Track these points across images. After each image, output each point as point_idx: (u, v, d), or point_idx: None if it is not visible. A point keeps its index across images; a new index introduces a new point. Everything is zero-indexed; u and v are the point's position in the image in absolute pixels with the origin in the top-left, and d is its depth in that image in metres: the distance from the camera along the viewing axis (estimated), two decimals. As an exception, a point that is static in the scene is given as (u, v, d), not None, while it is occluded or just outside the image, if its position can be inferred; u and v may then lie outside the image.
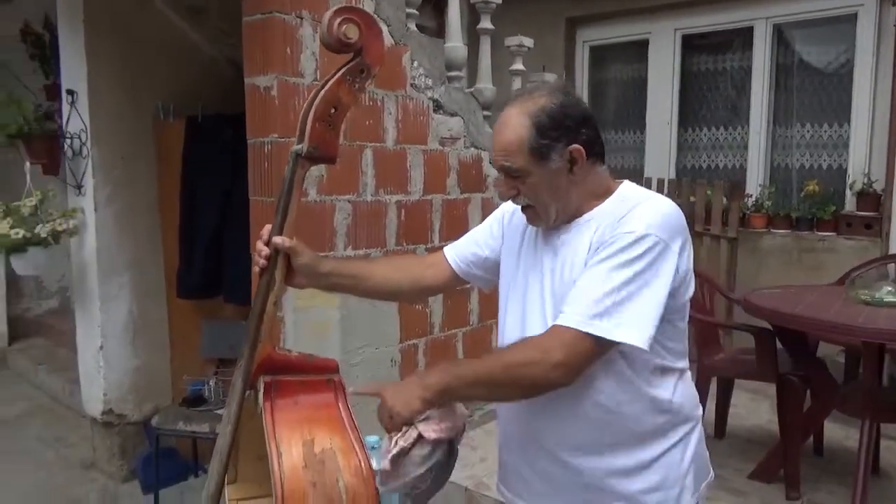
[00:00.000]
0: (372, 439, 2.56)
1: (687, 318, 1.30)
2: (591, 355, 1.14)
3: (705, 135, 4.85)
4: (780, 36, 4.50)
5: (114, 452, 3.41)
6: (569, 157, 1.23)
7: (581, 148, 1.23)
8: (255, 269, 1.34)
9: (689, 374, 1.34)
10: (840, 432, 3.13)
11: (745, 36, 4.62)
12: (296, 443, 1.17)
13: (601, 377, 1.22)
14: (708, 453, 1.42)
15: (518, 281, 1.37)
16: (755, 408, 3.62)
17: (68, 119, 3.30)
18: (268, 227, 1.33)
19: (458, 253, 1.53)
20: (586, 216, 1.27)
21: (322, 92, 1.29)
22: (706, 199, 4.15)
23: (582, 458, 1.27)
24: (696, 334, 3.07)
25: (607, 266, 1.15)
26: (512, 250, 1.42)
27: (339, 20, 1.25)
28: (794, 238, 4.20)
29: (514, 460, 1.39)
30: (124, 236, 3.37)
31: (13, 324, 5.06)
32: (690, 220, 4.23)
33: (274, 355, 1.32)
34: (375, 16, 2.76)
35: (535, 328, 1.26)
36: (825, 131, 4.35)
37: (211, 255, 3.29)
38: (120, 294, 3.37)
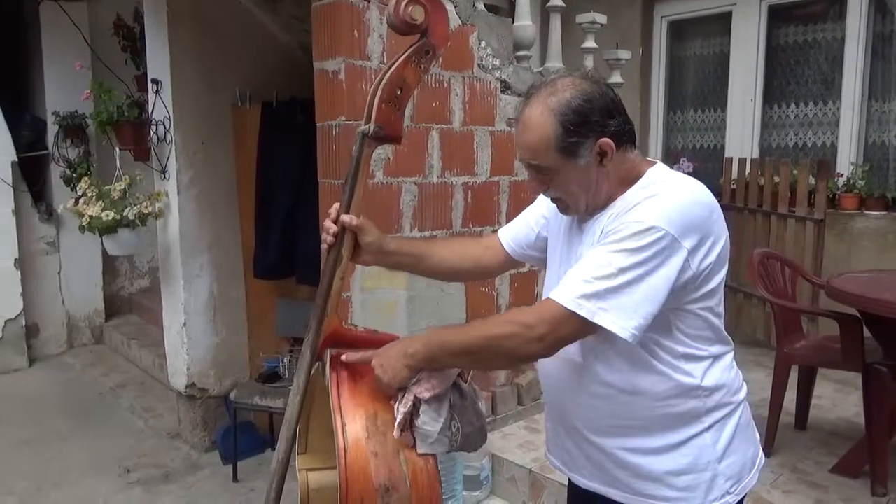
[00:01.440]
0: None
1: (719, 306, 1.25)
2: (573, 334, 1.14)
3: (792, 111, 4.59)
4: (878, 2, 4.18)
5: (196, 424, 3.60)
6: (598, 151, 1.19)
7: (610, 141, 1.19)
8: (324, 247, 1.38)
9: (727, 357, 1.29)
10: (936, 427, 2.92)
11: (837, 4, 4.32)
12: (359, 414, 1.20)
13: (617, 360, 1.22)
14: (758, 437, 1.38)
15: (554, 264, 1.39)
16: (842, 399, 3.43)
17: (153, 107, 3.48)
18: (336, 205, 1.36)
19: (511, 236, 1.54)
20: (614, 204, 1.24)
21: (388, 73, 1.32)
22: (791, 178, 3.93)
23: (605, 437, 1.28)
24: (775, 320, 2.94)
25: (608, 250, 1.13)
26: (556, 233, 1.42)
27: (405, 2, 1.27)
28: (890, 220, 3.92)
29: (555, 432, 1.41)
30: (204, 218, 3.53)
31: (109, 301, 5.40)
32: (773, 202, 4.05)
33: (340, 329, 1.36)
34: (442, -4, 2.78)
35: None
36: (927, 105, 4.03)
37: (285, 236, 3.40)
38: (201, 273, 3.54)
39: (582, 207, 1.26)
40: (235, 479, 3.28)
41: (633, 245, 1.11)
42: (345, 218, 1.33)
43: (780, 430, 2.88)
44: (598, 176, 1.22)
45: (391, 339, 1.38)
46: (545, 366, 1.36)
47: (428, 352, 1.19)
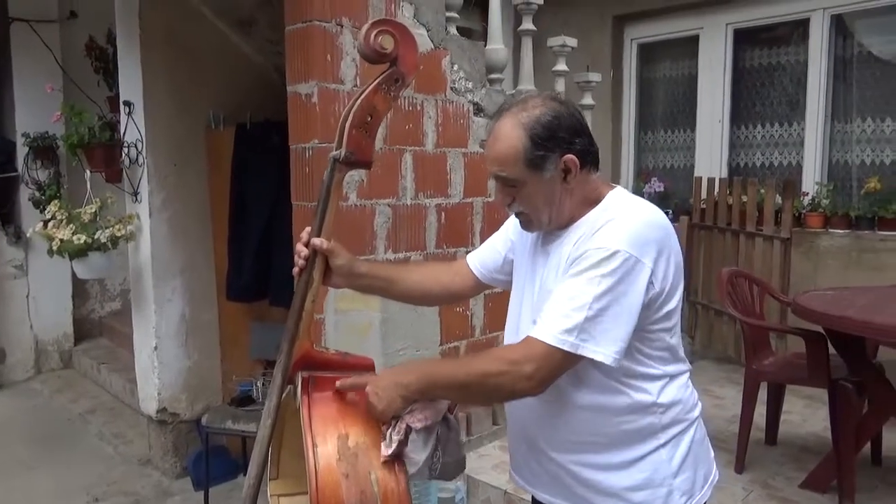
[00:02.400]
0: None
1: (676, 326, 1.31)
2: (560, 368, 1.18)
3: (759, 132, 4.70)
4: (839, 27, 4.32)
5: (168, 449, 3.54)
6: (563, 167, 1.25)
7: (575, 158, 1.24)
8: (295, 270, 1.39)
9: (683, 377, 1.34)
10: (902, 441, 2.98)
11: (800, 28, 4.46)
12: (331, 436, 1.21)
13: (576, 379, 1.25)
14: (713, 454, 1.43)
15: (519, 285, 1.43)
16: (811, 414, 3.49)
17: (125, 129, 3.46)
18: (308, 229, 1.39)
19: (479, 261, 1.58)
20: (577, 224, 1.29)
21: (359, 100, 1.35)
22: (758, 197, 4.02)
23: (565, 454, 1.31)
24: (744, 338, 2.99)
25: (579, 281, 1.17)
26: (521, 254, 1.46)
27: (375, 32, 1.30)
28: (853, 238, 4.02)
29: (517, 449, 1.45)
30: (177, 241, 3.50)
31: (79, 325, 5.30)
32: (741, 220, 4.14)
33: (312, 352, 1.37)
34: (415, 20, 2.82)
35: (523, 334, 1.28)
36: (888, 125, 4.15)
37: (259, 259, 3.38)
38: (173, 297, 3.50)
39: (545, 223, 1.30)
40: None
41: (601, 272, 1.16)
42: (315, 241, 1.36)
43: (751, 445, 2.91)
44: (562, 193, 1.27)
45: (363, 362, 1.41)
46: None
47: (422, 384, 1.22)
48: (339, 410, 1.26)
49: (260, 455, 1.32)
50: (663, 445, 1.28)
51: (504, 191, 1.29)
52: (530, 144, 1.23)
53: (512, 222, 1.52)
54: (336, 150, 1.35)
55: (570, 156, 1.24)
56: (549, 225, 1.30)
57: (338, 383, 1.29)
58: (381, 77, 1.36)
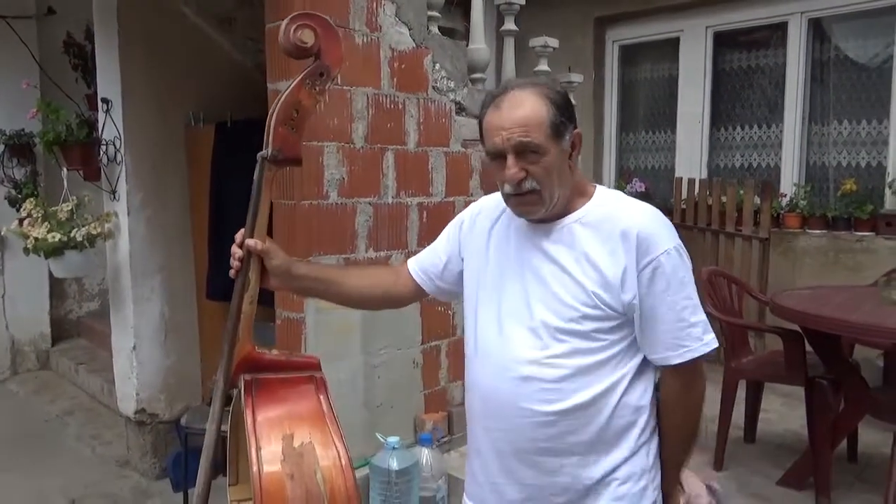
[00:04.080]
0: (392, 440, 2.59)
1: None
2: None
3: (738, 133, 4.76)
4: (816, 30, 4.39)
5: (146, 451, 3.50)
6: (571, 142, 1.27)
7: (581, 133, 1.29)
8: (232, 272, 1.37)
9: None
10: (877, 438, 3.02)
11: (779, 31, 4.52)
12: (275, 437, 1.21)
13: (583, 376, 1.26)
14: None
15: (489, 283, 1.36)
16: (788, 412, 3.53)
17: (103, 127, 3.41)
18: (242, 231, 1.36)
19: (419, 265, 1.54)
20: (574, 216, 1.29)
21: (283, 97, 1.33)
22: (737, 198, 4.06)
23: (556, 457, 1.29)
24: (723, 336, 3.01)
25: (673, 290, 1.24)
26: (478, 253, 1.41)
27: (294, 26, 1.29)
28: (830, 238, 4.08)
29: (482, 463, 1.38)
30: (156, 240, 3.46)
31: (56, 325, 5.21)
32: (721, 221, 4.18)
33: (253, 354, 1.34)
34: (397, 18, 2.82)
35: (515, 336, 1.29)
36: (863, 128, 4.22)
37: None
38: (152, 296, 3.47)
39: (552, 202, 1.26)
40: (187, 506, 3.19)
41: (681, 273, 1.24)
42: (249, 242, 1.33)
43: (730, 443, 2.94)
44: (569, 171, 1.28)
45: (307, 362, 1.39)
46: (483, 385, 1.34)
47: (685, 464, 1.36)
48: (283, 411, 1.25)
49: (206, 462, 1.31)
50: (646, 443, 1.33)
51: (519, 163, 1.23)
52: (554, 109, 1.23)
53: (456, 225, 1.49)
54: (263, 149, 1.33)
55: (578, 130, 1.27)
56: (552, 208, 1.27)
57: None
58: (304, 72, 1.33)
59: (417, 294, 1.55)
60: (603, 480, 1.28)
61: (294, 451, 1.18)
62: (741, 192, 4.08)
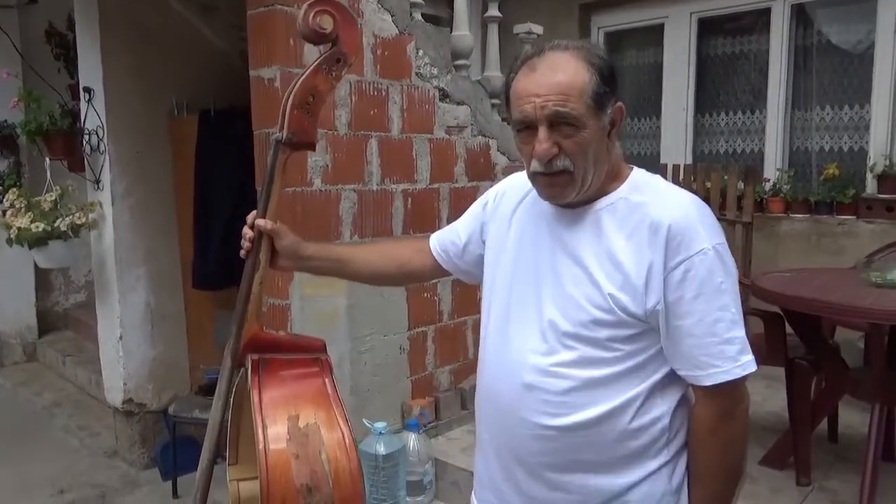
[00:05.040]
0: (379, 425, 2.61)
1: None
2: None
3: (723, 119, 4.78)
4: (800, 16, 4.41)
5: (135, 441, 3.51)
6: (611, 118, 1.11)
7: (623, 108, 1.13)
8: (242, 253, 1.37)
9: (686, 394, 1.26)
10: (857, 418, 3.07)
11: (763, 18, 4.53)
12: (281, 417, 1.21)
13: (600, 388, 1.13)
14: None
15: (504, 275, 1.25)
16: (771, 395, 3.56)
17: (86, 116, 3.39)
18: (254, 212, 1.36)
19: (440, 241, 1.46)
20: (603, 202, 1.15)
21: (300, 81, 1.33)
22: (721, 184, 4.09)
23: (568, 474, 1.17)
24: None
25: (706, 298, 1.07)
26: (498, 239, 1.30)
27: (314, 11, 1.29)
28: (812, 222, 4.12)
29: (486, 470, 1.29)
30: (140, 229, 3.45)
31: (42, 317, 5.20)
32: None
33: (261, 334, 1.35)
34: (379, 5, 2.81)
35: (520, 338, 1.18)
36: (845, 113, 4.25)
37: (224, 246, 3.35)
38: (137, 286, 3.46)
39: (588, 183, 1.12)
40: (175, 495, 3.20)
41: (718, 278, 1.07)
42: (260, 222, 1.33)
43: (713, 425, 2.98)
44: (606, 150, 1.12)
45: (312, 344, 1.38)
46: (486, 388, 1.26)
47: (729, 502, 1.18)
48: (289, 391, 1.26)
49: (211, 440, 1.32)
50: (666, 464, 1.17)
51: (552, 137, 1.07)
52: (597, 78, 1.07)
53: (481, 204, 1.39)
54: (279, 131, 1.34)
55: (620, 104, 1.11)
56: (583, 192, 1.13)
57: None
58: (322, 57, 1.34)
59: (436, 271, 1.48)
60: (613, 502, 1.16)
61: (299, 432, 1.19)
62: (725, 177, 4.10)
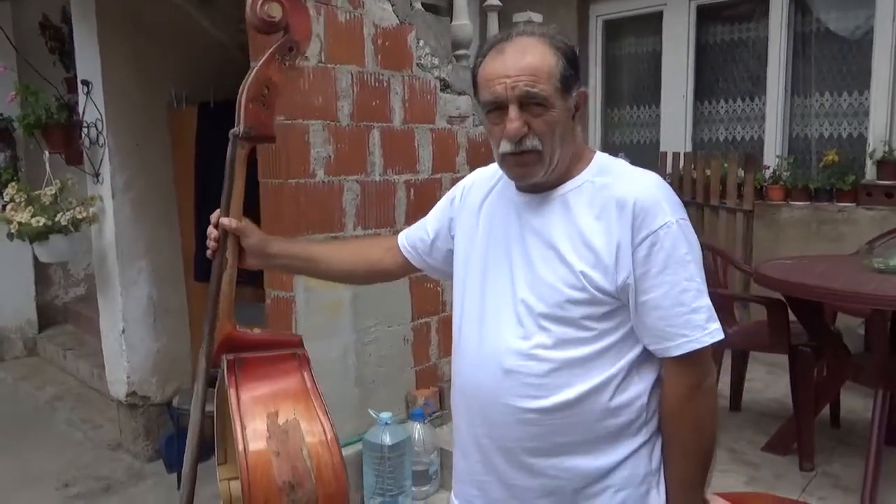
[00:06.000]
0: (385, 416, 2.62)
1: None
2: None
3: (722, 107, 4.78)
4: (798, 3, 4.40)
5: (139, 433, 3.51)
6: (575, 101, 1.16)
7: (586, 93, 1.17)
8: (209, 253, 1.35)
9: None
10: (859, 403, 3.10)
11: (761, 4, 4.52)
12: (260, 416, 1.20)
13: (580, 366, 1.14)
14: None
15: (476, 264, 1.26)
16: (773, 381, 3.59)
17: (84, 109, 3.37)
18: (217, 211, 1.34)
19: (408, 238, 1.46)
20: (570, 184, 1.18)
21: (253, 73, 1.31)
22: (721, 171, 4.10)
23: (549, 458, 1.18)
24: (709, 307, 3.06)
25: (672, 270, 1.10)
26: (468, 231, 1.31)
27: (261, 1, 1.26)
28: (812, 210, 4.13)
29: (467, 463, 1.28)
30: (141, 222, 3.44)
31: (42, 311, 5.18)
32: (705, 194, 4.21)
33: (235, 334, 1.33)
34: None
35: (497, 325, 1.18)
36: (845, 100, 4.26)
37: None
38: (139, 279, 3.45)
39: (555, 162, 1.15)
40: (180, 487, 3.20)
41: (682, 249, 1.11)
42: (224, 221, 1.31)
43: (716, 412, 3.00)
44: (570, 132, 1.16)
45: (289, 340, 1.36)
46: (464, 378, 1.25)
47: (703, 483, 1.19)
48: (267, 389, 1.25)
49: (192, 442, 1.32)
50: (645, 443, 1.19)
51: (522, 116, 1.11)
52: (564, 61, 1.11)
53: (449, 198, 1.40)
54: (236, 126, 1.31)
55: (584, 89, 1.16)
56: (551, 172, 1.15)
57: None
58: (274, 47, 1.31)
59: (406, 268, 1.48)
60: (594, 487, 1.16)
61: (279, 429, 1.18)
62: (725, 165, 4.11)
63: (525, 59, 1.10)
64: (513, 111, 1.11)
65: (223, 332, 1.31)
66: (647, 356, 1.16)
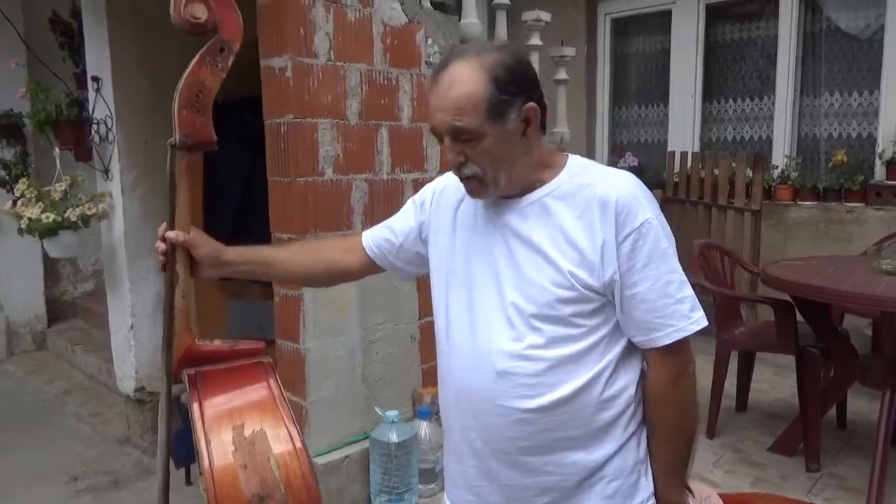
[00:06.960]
0: (391, 414, 2.63)
1: None
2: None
3: (730, 106, 4.77)
4: (808, 2, 4.38)
5: (147, 428, 3.53)
6: (524, 118, 1.14)
7: (537, 107, 1.15)
8: (160, 268, 1.32)
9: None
10: (866, 405, 3.09)
11: (770, 3, 4.50)
12: (225, 429, 1.17)
13: (570, 363, 1.17)
14: None
15: (458, 268, 1.26)
16: (779, 382, 3.59)
17: (94, 105, 3.39)
18: (164, 225, 1.31)
19: (373, 238, 1.44)
20: (544, 189, 1.19)
21: (183, 79, 1.26)
22: (730, 171, 4.08)
23: (545, 455, 1.20)
24: (716, 308, 3.05)
25: (655, 264, 1.14)
26: (444, 234, 1.30)
27: (184, 2, 1.22)
28: (821, 210, 4.12)
29: (459, 466, 1.28)
30: (150, 219, 3.46)
31: (51, 306, 5.21)
32: (713, 194, 4.20)
33: (195, 347, 1.30)
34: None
35: (488, 327, 1.19)
36: (854, 99, 4.24)
37: (234, 236, 3.35)
38: (148, 276, 3.47)
39: (501, 185, 1.16)
40: (188, 482, 3.21)
41: (663, 244, 1.15)
42: (170, 234, 1.28)
43: (722, 412, 3.00)
44: (522, 149, 1.15)
45: (252, 349, 1.33)
46: (456, 381, 1.25)
47: (685, 479, 1.25)
48: (231, 402, 1.23)
49: (161, 456, 1.33)
50: (634, 433, 1.22)
51: (457, 147, 1.13)
52: (493, 89, 1.10)
53: (417, 203, 1.40)
54: (172, 136, 1.26)
55: (531, 104, 1.13)
56: (504, 188, 1.17)
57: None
58: (203, 49, 1.25)
59: (370, 268, 1.46)
60: (589, 479, 1.19)
61: (245, 441, 1.15)
62: (733, 164, 4.10)
63: (451, 92, 1.11)
64: (448, 143, 1.14)
65: (182, 347, 1.28)
66: (631, 349, 1.19)
